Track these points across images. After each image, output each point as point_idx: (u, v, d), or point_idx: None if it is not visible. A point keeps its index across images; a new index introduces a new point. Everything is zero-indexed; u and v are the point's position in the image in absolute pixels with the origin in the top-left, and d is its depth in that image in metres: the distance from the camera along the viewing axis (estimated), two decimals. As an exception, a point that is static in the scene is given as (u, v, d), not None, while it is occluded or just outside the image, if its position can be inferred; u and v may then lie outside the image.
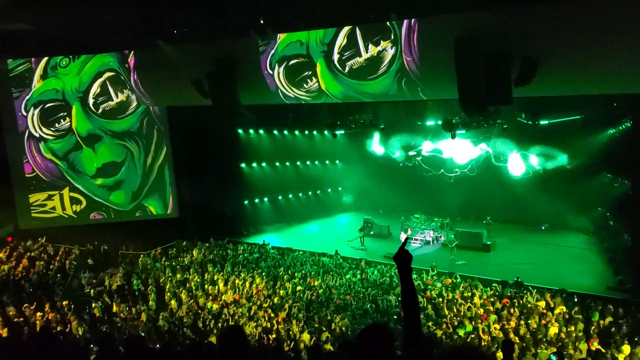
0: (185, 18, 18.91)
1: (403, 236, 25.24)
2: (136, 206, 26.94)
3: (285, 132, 31.41)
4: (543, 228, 27.37)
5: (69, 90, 25.05)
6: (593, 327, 14.47)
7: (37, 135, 25.36)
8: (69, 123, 25.42)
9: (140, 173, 26.59)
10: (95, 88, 25.05)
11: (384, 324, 3.22)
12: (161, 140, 26.65)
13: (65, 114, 25.30)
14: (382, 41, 16.83)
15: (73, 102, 25.23)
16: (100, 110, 25.41)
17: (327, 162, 34.90)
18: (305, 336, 14.12)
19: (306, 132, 32.73)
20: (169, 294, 19.24)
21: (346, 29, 17.49)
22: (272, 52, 19.06)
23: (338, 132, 28.17)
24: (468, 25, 14.53)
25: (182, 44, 19.75)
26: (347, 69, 17.80)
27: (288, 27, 18.50)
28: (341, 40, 17.66)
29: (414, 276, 19.76)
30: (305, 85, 19.04)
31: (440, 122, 24.27)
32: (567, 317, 15.31)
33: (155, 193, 27.03)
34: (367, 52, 17.24)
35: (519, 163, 27.06)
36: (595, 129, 23.90)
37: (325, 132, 31.26)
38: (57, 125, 25.34)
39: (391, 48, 16.70)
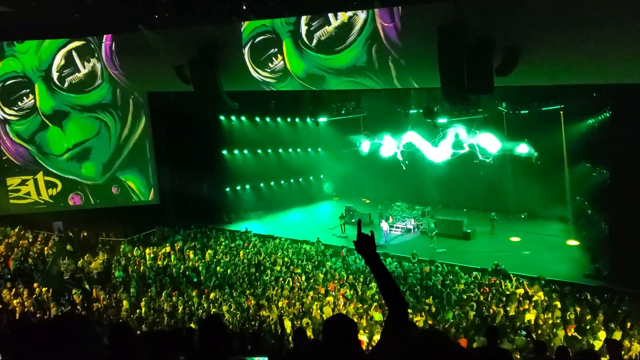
0: (167, 3, 18.72)
1: (384, 225, 25.38)
2: (110, 179, 25.54)
3: (268, 119, 31.28)
4: (522, 217, 27.66)
5: (29, 70, 23.41)
6: (570, 314, 14.70)
7: (2, 118, 23.91)
8: (32, 101, 23.80)
9: (113, 144, 25.09)
10: (58, 59, 23.34)
11: (344, 316, 3.00)
12: (138, 110, 25.13)
13: (27, 90, 23.63)
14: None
15: (35, 80, 23.63)
16: (66, 85, 23.69)
17: (309, 149, 34.90)
18: (287, 323, 14.16)
19: (288, 120, 32.63)
20: (149, 280, 19.16)
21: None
22: (240, 32, 18.86)
23: (320, 120, 28.12)
24: (451, 14, 14.54)
25: (164, 29, 19.53)
26: (314, 42, 17.34)
27: (269, 13, 18.38)
28: None
29: (395, 264, 19.97)
30: (270, 64, 18.68)
31: (421, 110, 24.36)
32: (544, 304, 15.54)
33: (133, 167, 25.64)
34: (336, 19, 16.73)
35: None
36: (575, 119, 24.15)
37: (308, 119, 31.20)
38: (19, 103, 23.72)
39: (362, 12, 16.33)
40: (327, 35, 17.17)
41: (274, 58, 18.47)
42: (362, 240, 2.85)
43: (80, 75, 23.72)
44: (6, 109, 23.89)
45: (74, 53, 23.42)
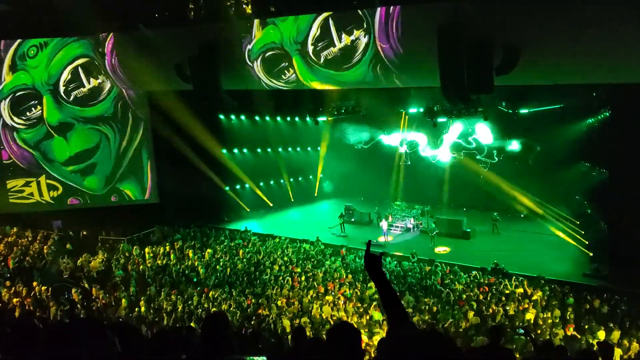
0: (167, 2, 18.74)
1: (384, 224, 25.39)
2: (110, 190, 26.44)
3: (267, 118, 31.19)
4: (522, 216, 27.61)
5: (38, 83, 24.59)
6: (569, 313, 14.72)
7: (10, 125, 24.88)
8: (40, 112, 24.95)
9: (114, 156, 26.14)
10: (65, 75, 24.51)
11: (349, 323, 3.15)
12: (137, 123, 26.21)
13: (36, 102, 24.84)
14: (355, 30, 16.93)
15: (44, 94, 24.79)
16: (71, 98, 24.92)
17: (308, 148, 34.83)
18: (285, 322, 14.19)
19: (288, 119, 32.56)
20: (149, 279, 19.17)
21: (319, 20, 17.53)
22: (250, 47, 19.03)
23: (320, 119, 28.10)
24: (451, 14, 14.55)
25: (164, 28, 19.53)
26: (322, 60, 17.84)
27: (270, 12, 18.43)
28: (314, 31, 17.70)
29: (394, 263, 19.99)
30: (283, 76, 19.03)
31: (422, 110, 24.40)
32: (543, 303, 15.56)
33: (131, 176, 26.57)
34: (340, 42, 17.32)
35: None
36: (575, 118, 24.15)
37: (307, 118, 31.16)
38: (27, 114, 24.84)
39: (364, 36, 16.78)
40: (333, 55, 17.70)
41: (286, 71, 18.90)
42: (370, 260, 2.99)
43: (85, 90, 24.96)
44: (15, 118, 24.94)
45: (79, 69, 24.57)
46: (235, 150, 29.95)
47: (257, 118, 30.43)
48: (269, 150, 31.76)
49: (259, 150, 31.39)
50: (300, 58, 18.26)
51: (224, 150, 29.01)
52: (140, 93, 25.66)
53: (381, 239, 24.45)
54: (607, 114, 20.26)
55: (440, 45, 14.54)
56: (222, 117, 28.68)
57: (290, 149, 33.43)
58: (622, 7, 12.79)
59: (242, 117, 29.78)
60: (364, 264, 3.06)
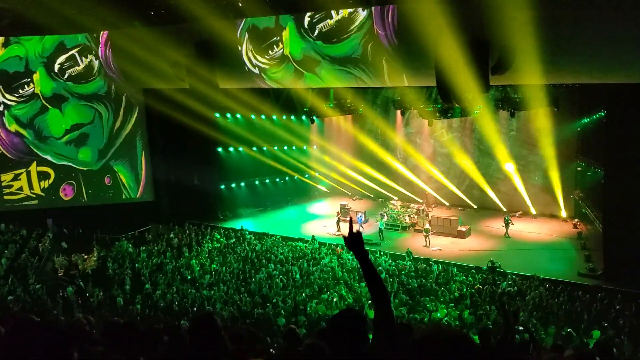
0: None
1: (379, 222, 25.34)
2: (104, 167, 26.08)
3: (263, 116, 31.03)
4: (517, 215, 27.62)
5: (32, 55, 24.22)
6: (563, 312, 14.76)
7: (1, 108, 24.47)
8: (33, 89, 24.57)
9: (107, 134, 25.93)
10: (62, 59, 24.34)
11: (355, 309, 3.10)
12: (130, 106, 26.01)
13: (29, 79, 24.49)
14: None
15: (37, 67, 24.39)
16: (66, 75, 24.68)
17: (304, 147, 34.69)
18: (281, 320, 14.19)
19: (284, 117, 32.44)
20: (144, 277, 19.13)
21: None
22: (241, 25, 19.13)
23: (316, 118, 28.09)
24: (447, 13, 14.54)
25: (160, 25, 19.48)
26: (316, 32, 17.88)
27: (266, 10, 18.42)
28: None
29: (390, 261, 19.99)
30: (270, 51, 19.01)
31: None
32: (538, 302, 15.59)
33: (124, 159, 26.28)
34: (338, 14, 17.37)
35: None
36: (570, 118, 24.19)
37: (303, 117, 31.13)
38: (20, 90, 24.47)
39: (363, 10, 16.82)
40: (328, 28, 17.64)
41: (274, 46, 18.72)
42: (352, 238, 2.90)
43: (79, 69, 24.68)
44: (7, 95, 24.56)
45: (74, 52, 24.40)
46: (231, 149, 29.85)
47: (252, 116, 30.28)
48: (264, 148, 31.62)
49: (254, 148, 31.25)
50: (294, 25, 18.27)
51: (220, 149, 28.95)
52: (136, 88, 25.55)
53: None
54: (603, 114, 20.31)
55: (437, 45, 14.54)
56: (217, 115, 28.57)
57: (286, 147, 33.28)
58: (617, 6, 12.81)
59: (238, 116, 29.65)
60: (345, 242, 2.94)
